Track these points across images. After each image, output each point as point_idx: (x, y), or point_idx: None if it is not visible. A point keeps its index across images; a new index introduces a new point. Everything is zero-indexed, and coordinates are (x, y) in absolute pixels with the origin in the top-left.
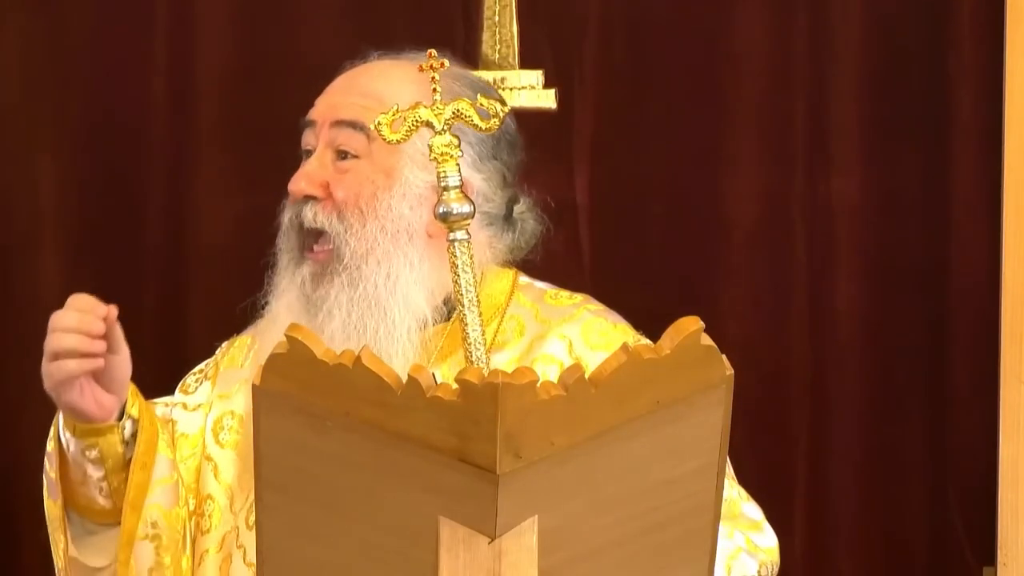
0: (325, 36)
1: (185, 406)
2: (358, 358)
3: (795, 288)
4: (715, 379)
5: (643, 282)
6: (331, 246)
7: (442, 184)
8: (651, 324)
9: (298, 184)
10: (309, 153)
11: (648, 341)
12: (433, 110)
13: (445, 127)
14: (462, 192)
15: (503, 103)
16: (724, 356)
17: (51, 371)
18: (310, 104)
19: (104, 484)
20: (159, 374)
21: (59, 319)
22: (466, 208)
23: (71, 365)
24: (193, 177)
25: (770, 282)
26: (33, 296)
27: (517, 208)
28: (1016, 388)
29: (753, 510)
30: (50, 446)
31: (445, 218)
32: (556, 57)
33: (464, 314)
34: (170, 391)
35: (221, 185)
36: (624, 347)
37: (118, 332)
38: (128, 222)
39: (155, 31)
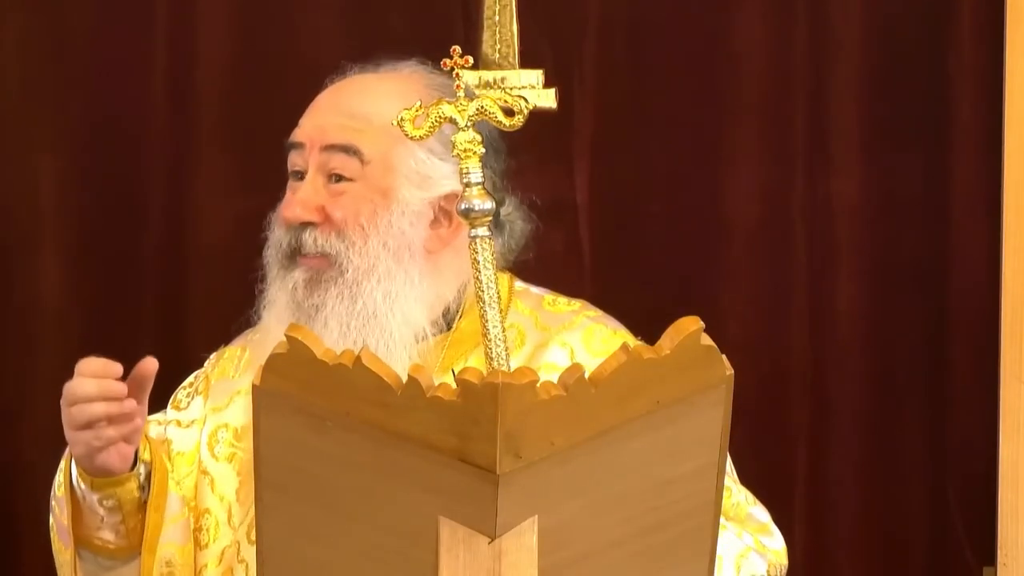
0: (325, 36)
1: (179, 423)
2: (358, 358)
3: (795, 288)
4: (715, 379)
5: (643, 282)
6: (324, 254)
7: (464, 180)
8: (651, 324)
9: (293, 211)
10: (297, 174)
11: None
12: (457, 106)
13: (468, 123)
14: (484, 188)
15: (526, 100)
16: (724, 356)
17: (87, 439)
18: (308, 106)
19: (121, 527)
20: (158, 374)
21: (78, 390)
22: (488, 205)
23: (110, 432)
24: (193, 177)
25: (770, 282)
26: (33, 296)
27: (504, 210)
28: (1016, 388)
29: (761, 513)
30: (60, 492)
31: (467, 214)
32: (556, 57)
33: (484, 311)
34: (169, 391)
35: (221, 185)
36: (624, 347)
37: (147, 388)
38: (128, 222)
39: (155, 31)
